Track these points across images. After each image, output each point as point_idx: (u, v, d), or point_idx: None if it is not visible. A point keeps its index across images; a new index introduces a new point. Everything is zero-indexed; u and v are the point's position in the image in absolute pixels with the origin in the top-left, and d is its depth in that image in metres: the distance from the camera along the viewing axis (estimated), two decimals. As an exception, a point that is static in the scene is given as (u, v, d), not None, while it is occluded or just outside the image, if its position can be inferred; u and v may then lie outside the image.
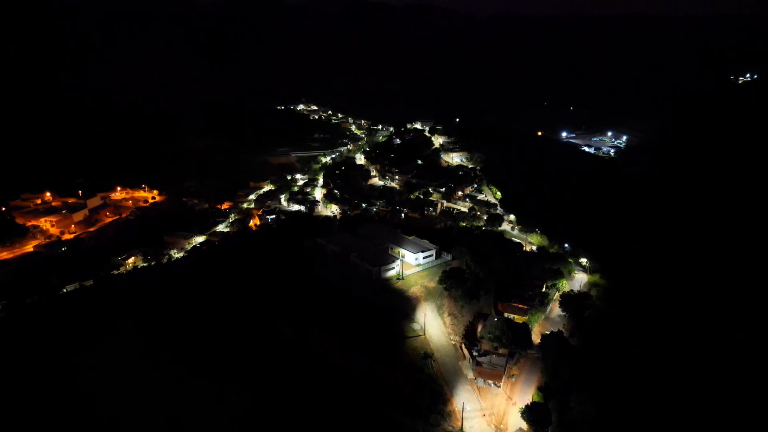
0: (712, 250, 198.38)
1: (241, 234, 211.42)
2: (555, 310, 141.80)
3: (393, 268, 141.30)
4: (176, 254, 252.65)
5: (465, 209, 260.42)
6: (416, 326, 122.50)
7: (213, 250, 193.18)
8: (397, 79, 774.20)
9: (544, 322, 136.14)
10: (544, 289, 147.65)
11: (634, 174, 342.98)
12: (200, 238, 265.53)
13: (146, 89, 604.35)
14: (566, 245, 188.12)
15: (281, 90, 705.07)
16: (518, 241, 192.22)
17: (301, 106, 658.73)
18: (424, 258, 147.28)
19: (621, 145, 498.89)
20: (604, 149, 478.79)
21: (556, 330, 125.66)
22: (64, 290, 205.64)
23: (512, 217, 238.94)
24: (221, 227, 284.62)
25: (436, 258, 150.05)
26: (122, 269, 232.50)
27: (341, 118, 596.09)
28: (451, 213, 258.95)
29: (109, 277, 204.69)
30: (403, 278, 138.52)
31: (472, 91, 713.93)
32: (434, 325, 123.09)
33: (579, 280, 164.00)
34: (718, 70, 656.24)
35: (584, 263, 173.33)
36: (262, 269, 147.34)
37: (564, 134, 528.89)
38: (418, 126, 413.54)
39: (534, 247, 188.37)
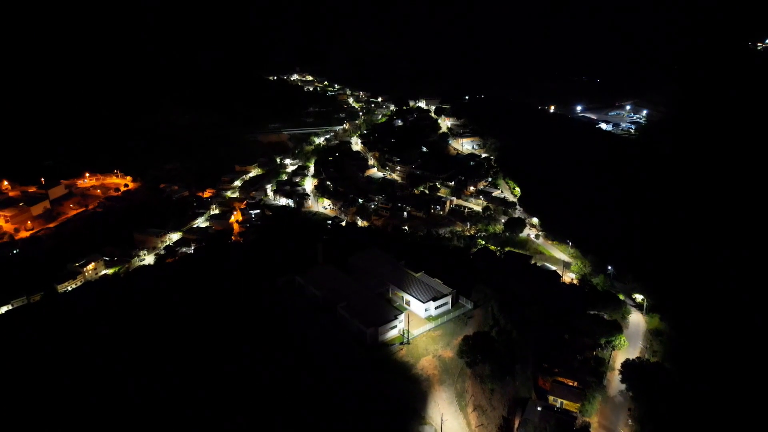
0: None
1: (208, 260, 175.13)
2: (614, 381, 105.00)
3: (395, 326, 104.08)
4: (145, 256, 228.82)
5: (478, 208, 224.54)
6: (429, 431, 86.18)
7: (172, 280, 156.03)
8: (398, 46, 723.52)
9: (603, 406, 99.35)
10: (595, 351, 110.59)
11: (662, 156, 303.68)
12: (175, 236, 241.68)
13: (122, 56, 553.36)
14: (609, 267, 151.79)
15: (273, 57, 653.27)
16: (553, 268, 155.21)
17: (295, 76, 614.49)
18: (436, 308, 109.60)
19: (641, 120, 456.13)
20: (623, 125, 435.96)
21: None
22: (10, 305, 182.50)
23: (535, 220, 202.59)
24: (200, 221, 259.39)
25: (452, 305, 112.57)
26: (79, 278, 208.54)
27: (338, 89, 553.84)
28: (462, 212, 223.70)
29: (54, 298, 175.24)
30: (408, 342, 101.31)
31: (479, 59, 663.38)
32: (455, 429, 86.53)
33: (634, 325, 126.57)
34: (734, 36, 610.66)
35: (639, 299, 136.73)
36: (222, 325, 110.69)
37: (579, 108, 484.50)
38: (422, 105, 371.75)
39: (573, 276, 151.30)
